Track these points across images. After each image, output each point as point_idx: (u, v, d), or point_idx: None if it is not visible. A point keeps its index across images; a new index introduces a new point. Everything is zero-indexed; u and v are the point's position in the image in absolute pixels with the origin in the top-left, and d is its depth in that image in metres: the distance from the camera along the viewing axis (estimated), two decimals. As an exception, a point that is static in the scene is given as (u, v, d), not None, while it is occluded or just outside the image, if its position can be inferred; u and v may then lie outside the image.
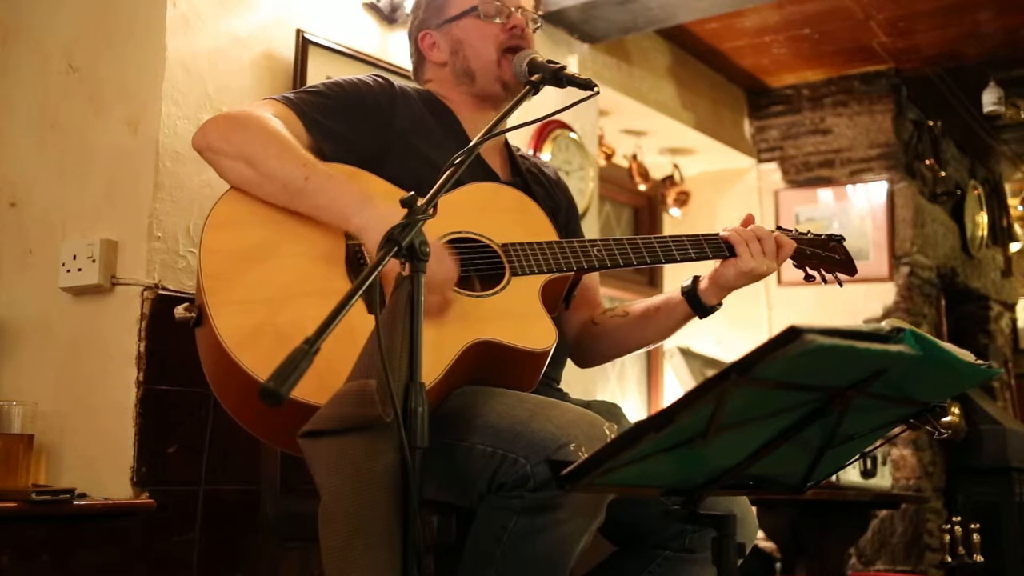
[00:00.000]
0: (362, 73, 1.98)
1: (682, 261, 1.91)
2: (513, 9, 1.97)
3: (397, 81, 1.97)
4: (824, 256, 2.04)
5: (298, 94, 1.86)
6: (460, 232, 1.79)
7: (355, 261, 1.70)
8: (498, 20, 1.95)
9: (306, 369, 1.10)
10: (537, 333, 1.72)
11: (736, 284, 1.92)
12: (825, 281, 2.05)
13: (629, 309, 2.05)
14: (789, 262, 2.01)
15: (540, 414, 1.57)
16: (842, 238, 2.10)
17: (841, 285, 2.07)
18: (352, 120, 1.85)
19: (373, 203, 1.65)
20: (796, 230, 2.06)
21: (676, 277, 4.80)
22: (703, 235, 1.94)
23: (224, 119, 1.77)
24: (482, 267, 1.78)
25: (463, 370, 1.66)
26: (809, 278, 2.03)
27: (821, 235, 2.08)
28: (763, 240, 1.91)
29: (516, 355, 1.70)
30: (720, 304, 1.97)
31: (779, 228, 2.03)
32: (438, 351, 1.60)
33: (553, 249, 1.82)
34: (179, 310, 1.68)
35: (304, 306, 1.60)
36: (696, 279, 1.96)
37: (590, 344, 2.09)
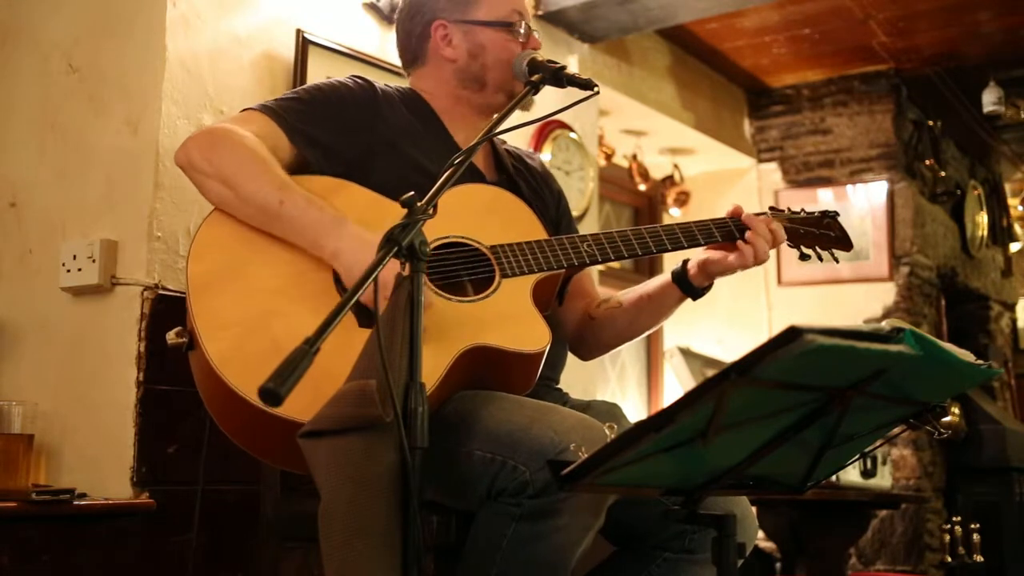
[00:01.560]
0: (361, 73, 1.97)
1: (674, 250, 1.90)
2: (520, 19, 1.96)
3: (379, 82, 1.94)
4: (819, 234, 2.03)
5: (279, 102, 1.84)
6: (449, 237, 1.77)
7: None
8: (522, 40, 1.95)
9: (306, 369, 1.10)
10: (530, 334, 1.71)
11: (722, 276, 1.92)
12: (821, 259, 2.03)
13: (623, 299, 2.04)
14: (784, 243, 1.99)
15: (540, 420, 1.56)
16: (836, 214, 2.08)
17: (837, 261, 2.05)
18: (335, 126, 1.83)
19: (346, 227, 1.64)
20: (788, 209, 2.04)
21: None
22: (695, 223, 1.92)
23: (203, 136, 1.77)
24: (472, 271, 1.77)
25: (459, 376, 1.65)
26: (804, 257, 2.00)
27: (815, 212, 2.06)
28: (759, 240, 1.89)
29: (511, 358, 1.69)
30: (711, 284, 1.96)
31: (771, 209, 2.02)
32: (432, 359, 1.59)
33: (542, 248, 1.81)
34: (171, 336, 1.68)
35: (295, 323, 1.59)
36: (685, 263, 1.95)
37: (589, 337, 2.08)
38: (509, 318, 1.71)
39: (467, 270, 1.77)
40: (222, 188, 1.70)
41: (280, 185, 1.68)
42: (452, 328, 1.65)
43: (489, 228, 1.81)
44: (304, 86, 1.92)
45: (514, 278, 1.76)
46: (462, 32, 1.95)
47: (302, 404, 1.35)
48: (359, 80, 1.92)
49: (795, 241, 2.00)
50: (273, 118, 1.79)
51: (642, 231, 1.89)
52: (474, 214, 1.83)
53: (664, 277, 1.98)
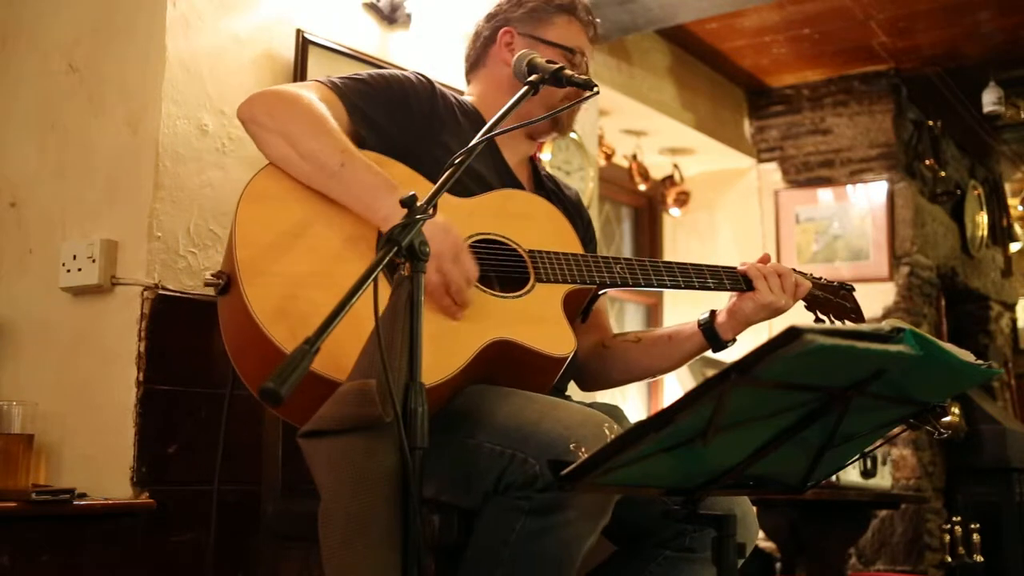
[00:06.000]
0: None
1: (700, 289, 1.95)
2: (582, 56, 2.06)
3: (439, 84, 1.99)
4: (835, 303, 2.09)
5: (343, 80, 1.88)
6: (489, 233, 1.82)
7: None
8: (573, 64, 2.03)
9: (307, 369, 1.11)
10: (557, 339, 1.74)
11: (754, 318, 1.97)
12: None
13: (642, 335, 2.07)
14: (801, 304, 2.06)
15: (549, 415, 1.57)
16: (852, 288, 2.14)
17: None
18: (393, 112, 1.87)
19: (399, 194, 1.66)
20: (811, 275, 2.09)
21: (674, 294, 4.80)
22: (723, 267, 1.98)
23: (271, 94, 1.79)
24: (506, 269, 1.80)
25: (480, 367, 1.67)
26: (819, 321, 2.08)
27: (833, 282, 2.12)
28: (783, 276, 1.97)
29: (533, 358, 1.71)
30: (735, 340, 2.01)
31: (794, 271, 2.06)
32: (458, 345, 1.62)
33: (579, 261, 1.86)
34: (208, 276, 1.70)
35: (334, 286, 1.59)
36: (713, 313, 1.99)
37: (599, 367, 2.10)
38: (539, 320, 1.75)
39: (500, 267, 1.80)
40: (282, 143, 1.71)
41: (342, 148, 1.70)
42: (481, 319, 1.68)
43: (529, 233, 1.86)
44: (368, 71, 1.96)
45: (548, 284, 1.80)
46: (525, 43, 2.03)
47: (329, 361, 1.34)
48: (421, 77, 1.97)
49: (811, 305, 2.07)
50: (336, 92, 1.83)
51: (673, 265, 1.95)
52: (516, 217, 1.88)
53: (689, 323, 2.02)
